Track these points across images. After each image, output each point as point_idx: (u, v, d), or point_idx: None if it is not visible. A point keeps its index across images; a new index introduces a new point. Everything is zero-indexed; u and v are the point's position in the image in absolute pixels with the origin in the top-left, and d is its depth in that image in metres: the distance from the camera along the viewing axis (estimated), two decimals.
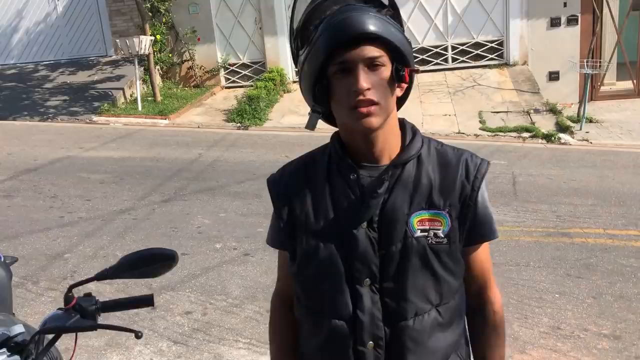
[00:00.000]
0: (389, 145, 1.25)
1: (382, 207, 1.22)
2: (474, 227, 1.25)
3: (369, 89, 1.15)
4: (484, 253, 1.30)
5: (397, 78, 1.21)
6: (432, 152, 1.28)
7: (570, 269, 4.27)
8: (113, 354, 3.38)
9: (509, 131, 8.86)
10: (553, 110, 9.61)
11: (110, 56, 12.42)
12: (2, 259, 2.49)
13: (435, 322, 1.25)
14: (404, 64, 1.22)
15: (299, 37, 1.26)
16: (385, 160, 1.25)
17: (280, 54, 11.79)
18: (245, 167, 7.13)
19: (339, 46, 1.15)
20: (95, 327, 1.58)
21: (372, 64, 1.17)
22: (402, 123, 1.31)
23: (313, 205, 1.26)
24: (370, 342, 1.23)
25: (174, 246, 4.79)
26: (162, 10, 11.52)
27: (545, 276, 4.17)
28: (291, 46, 1.30)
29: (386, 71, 1.19)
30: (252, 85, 11.07)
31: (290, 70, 11.85)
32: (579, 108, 9.63)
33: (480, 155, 1.31)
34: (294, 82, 11.84)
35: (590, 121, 9.54)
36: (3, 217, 5.51)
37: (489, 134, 8.83)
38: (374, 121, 1.18)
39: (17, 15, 12.89)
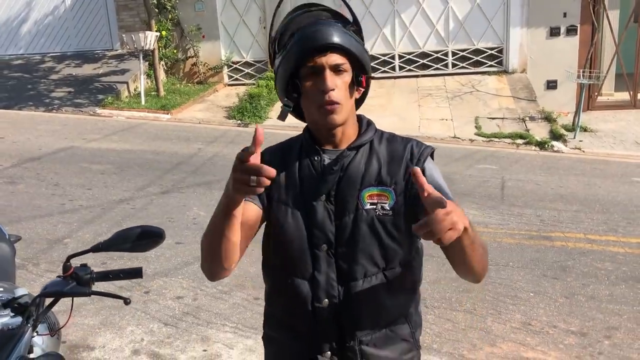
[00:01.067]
0: (347, 135, 1.48)
1: (337, 183, 1.44)
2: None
3: (333, 90, 1.38)
4: None
5: (356, 83, 1.45)
6: (383, 140, 1.50)
7: (547, 270, 4.46)
8: (107, 333, 3.57)
9: (503, 137, 9.05)
10: (548, 118, 9.79)
11: (116, 50, 12.63)
12: (7, 237, 2.69)
13: (381, 284, 1.44)
14: (362, 72, 1.46)
15: (277, 43, 1.47)
16: (344, 146, 1.47)
17: None
18: None
19: (310, 53, 1.38)
20: (89, 293, 1.77)
21: (336, 69, 1.40)
22: (360, 118, 1.54)
23: (286, 180, 1.47)
24: (325, 299, 1.43)
25: (169, 235, 4.96)
26: (168, 7, 11.73)
27: (523, 276, 4.36)
28: (269, 49, 1.52)
29: (348, 76, 1.42)
30: (254, 84, 11.26)
31: None
32: (574, 117, 9.81)
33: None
34: None
35: (585, 130, 9.71)
36: (7, 202, 5.71)
37: (484, 139, 9.01)
38: (337, 118, 1.41)
39: (26, 7, 13.11)
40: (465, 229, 1.19)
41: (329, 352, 1.46)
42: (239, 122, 9.81)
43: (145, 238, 1.78)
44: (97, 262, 4.28)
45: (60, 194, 5.99)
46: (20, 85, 11.25)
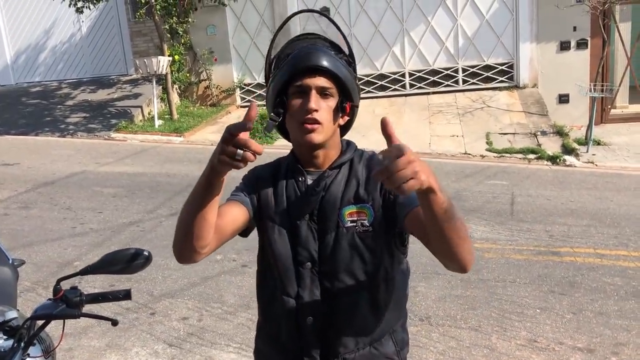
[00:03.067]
0: (329, 157, 1.52)
1: (320, 203, 1.48)
2: (403, 202, 1.41)
3: (316, 110, 1.43)
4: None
5: (340, 109, 1.49)
6: (362, 159, 1.54)
7: (555, 286, 4.40)
8: (112, 355, 3.61)
9: (515, 152, 9.00)
10: (560, 132, 9.72)
11: (131, 75, 12.90)
12: (11, 261, 2.75)
13: (365, 300, 1.48)
14: (348, 99, 1.50)
15: (274, 63, 1.55)
16: (326, 166, 1.52)
17: None
18: None
19: (298, 72, 1.44)
20: (78, 315, 1.81)
21: (323, 93, 1.45)
22: (342, 141, 1.59)
23: (274, 197, 1.52)
24: (310, 317, 1.48)
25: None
26: (180, 32, 11.97)
27: (530, 292, 4.31)
28: (265, 69, 1.58)
29: (333, 101, 1.47)
30: (265, 105, 11.37)
31: None
32: (587, 130, 9.73)
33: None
34: None
35: (598, 144, 9.62)
36: (19, 226, 5.83)
37: (495, 155, 8.97)
38: (315, 137, 1.45)
39: (45, 35, 13.49)
40: (434, 191, 1.13)
41: None
42: None
43: (132, 260, 1.81)
44: (105, 285, 4.34)
45: (72, 217, 6.10)
46: (38, 112, 11.53)
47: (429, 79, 11.81)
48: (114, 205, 6.49)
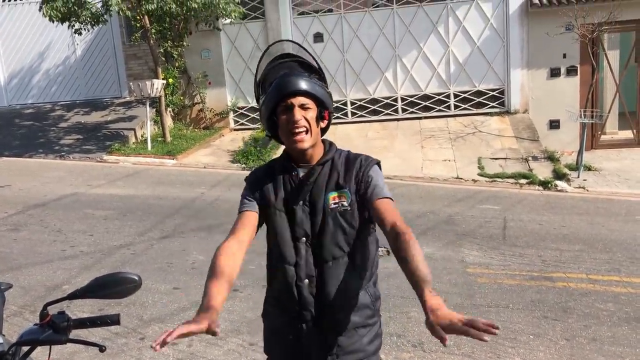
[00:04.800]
0: (315, 155, 1.94)
1: (310, 191, 1.90)
2: (371, 192, 1.86)
3: (300, 120, 1.85)
4: (386, 205, 1.84)
5: (319, 117, 1.92)
6: (341, 157, 1.97)
7: (548, 312, 4.39)
8: None
9: (506, 177, 9.05)
10: (551, 157, 9.80)
11: (125, 98, 12.94)
12: None
13: (346, 264, 1.89)
14: (324, 109, 1.93)
15: (260, 87, 1.97)
16: (313, 163, 1.93)
17: None
18: None
19: (283, 96, 1.86)
20: (65, 341, 1.78)
21: (303, 107, 1.86)
22: (324, 141, 2.00)
23: (273, 190, 1.93)
24: (306, 280, 1.88)
25: (167, 281, 5.00)
26: (175, 55, 12.06)
27: (523, 318, 4.29)
28: (255, 92, 2.00)
29: (312, 112, 1.89)
30: (259, 128, 11.42)
31: None
32: (577, 156, 9.81)
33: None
34: None
35: (589, 169, 9.70)
36: (8, 249, 5.76)
37: (487, 179, 9.01)
38: (304, 144, 1.88)
39: (39, 58, 13.55)
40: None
41: (310, 322, 1.88)
42: (243, 165, 9.92)
43: (122, 284, 1.79)
44: (94, 309, 4.28)
45: (62, 240, 6.04)
46: (31, 134, 11.50)
47: (421, 104, 11.93)
48: (105, 228, 6.44)
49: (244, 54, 12.32)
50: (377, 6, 11.89)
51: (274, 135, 1.94)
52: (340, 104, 11.97)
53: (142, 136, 11.29)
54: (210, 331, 1.50)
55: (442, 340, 1.34)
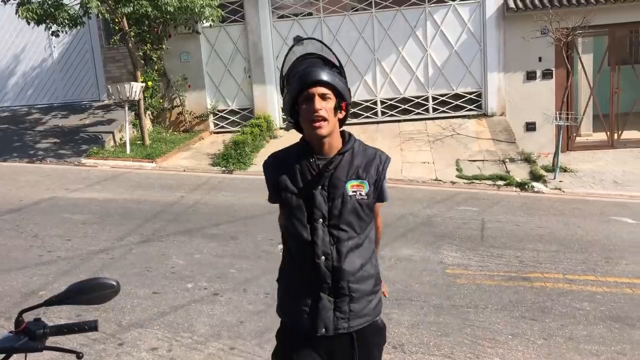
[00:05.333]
0: (333, 145, 2.09)
1: (330, 178, 2.07)
2: (378, 194, 2.12)
3: (320, 109, 2.00)
4: (379, 207, 2.22)
5: (338, 107, 2.06)
6: (360, 148, 2.15)
7: (526, 312, 4.45)
8: None
9: (484, 179, 9.15)
10: (528, 159, 9.94)
11: (103, 101, 12.80)
12: None
13: (356, 243, 2.10)
14: (342, 100, 2.07)
15: (286, 79, 2.14)
16: (332, 153, 2.09)
17: (268, 101, 12.20)
18: (224, 210, 7.35)
19: (305, 86, 2.01)
20: (41, 348, 1.75)
21: (323, 97, 2.02)
22: (343, 132, 2.15)
23: (289, 176, 2.09)
24: (323, 257, 2.06)
25: (146, 285, 4.95)
26: (154, 58, 11.97)
27: (501, 318, 4.34)
28: (280, 83, 2.17)
29: (331, 103, 2.03)
30: (239, 131, 11.39)
31: (277, 117, 12.24)
32: (553, 158, 9.97)
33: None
34: (281, 128, 12.21)
35: (565, 170, 9.87)
36: None
37: (465, 181, 9.11)
38: (323, 131, 2.03)
39: (14, 60, 13.33)
40: None
41: (327, 292, 2.08)
42: (223, 168, 9.87)
43: (99, 290, 1.77)
44: (72, 314, 4.23)
45: (39, 245, 5.95)
46: (6, 137, 11.30)
47: (400, 107, 12.02)
48: (83, 233, 6.36)
49: (224, 57, 12.28)
50: (356, 10, 11.95)
51: (296, 123, 2.11)
52: None
53: (120, 139, 11.18)
54: None
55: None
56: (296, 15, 12.07)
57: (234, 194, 8.31)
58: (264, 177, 2.17)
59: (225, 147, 10.49)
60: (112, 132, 11.21)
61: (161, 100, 12.33)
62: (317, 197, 2.05)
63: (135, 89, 10.40)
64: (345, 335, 2.11)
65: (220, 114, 12.50)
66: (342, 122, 2.12)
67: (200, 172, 9.80)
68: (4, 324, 4.19)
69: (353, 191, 2.05)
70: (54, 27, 10.05)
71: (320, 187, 2.05)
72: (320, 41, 2.18)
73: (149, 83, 11.79)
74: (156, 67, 12.10)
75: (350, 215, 2.05)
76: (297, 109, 2.05)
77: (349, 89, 2.09)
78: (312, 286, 2.09)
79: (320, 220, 2.05)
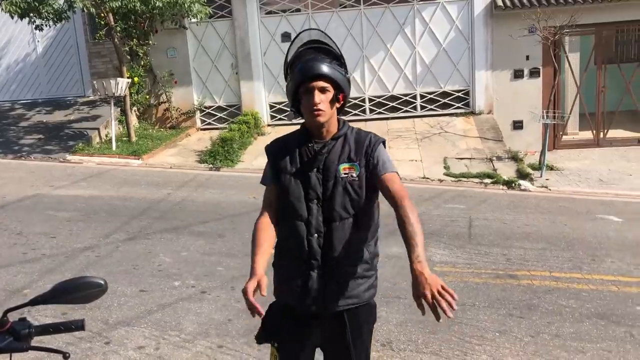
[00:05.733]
0: (330, 131, 2.25)
1: (324, 161, 2.21)
2: (377, 168, 2.20)
3: (319, 103, 2.15)
4: (392, 180, 2.19)
5: (335, 99, 2.21)
6: (353, 133, 2.28)
7: (513, 309, 4.47)
8: None
9: (471, 177, 9.19)
10: (515, 157, 10.00)
11: (88, 97, 12.64)
12: None
13: (350, 224, 2.19)
14: (340, 92, 2.20)
15: (289, 68, 2.26)
16: (328, 138, 2.25)
17: (256, 98, 12.14)
18: (211, 208, 7.30)
19: (306, 79, 2.15)
20: (26, 348, 1.71)
21: (322, 90, 2.16)
22: (338, 119, 2.30)
23: (289, 159, 2.25)
24: (315, 234, 2.19)
25: (132, 283, 4.90)
26: (140, 54, 11.85)
27: (489, 316, 4.36)
28: (284, 71, 2.30)
29: (330, 94, 2.18)
30: (226, 128, 11.32)
31: (265, 114, 12.19)
32: (540, 156, 10.04)
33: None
34: (269, 125, 12.16)
35: (551, 169, 9.93)
36: None
37: (453, 179, 9.14)
38: (321, 119, 2.18)
39: None
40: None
41: (316, 270, 2.18)
42: (210, 165, 9.81)
43: (86, 289, 1.73)
44: (57, 313, 4.17)
45: (23, 242, 5.87)
46: None
47: (388, 104, 12.03)
48: (69, 230, 6.28)
49: (211, 52, 12.20)
50: (345, 7, 11.93)
51: (297, 109, 2.25)
52: None
53: (106, 136, 11.06)
54: (260, 286, 1.99)
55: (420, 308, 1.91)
56: (284, 11, 12.01)
57: (221, 191, 8.26)
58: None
59: (212, 144, 10.42)
60: (98, 129, 11.08)
61: (147, 97, 12.22)
62: (312, 178, 2.20)
63: (121, 85, 10.29)
64: (336, 314, 2.22)
65: (207, 110, 12.42)
66: (339, 110, 2.27)
67: (187, 169, 9.73)
68: None
69: (345, 173, 2.18)
70: (38, 21, 9.91)
71: (315, 169, 2.20)
72: (323, 32, 2.32)
73: (135, 79, 11.68)
74: (142, 63, 11.98)
75: (341, 196, 2.17)
76: (299, 97, 2.20)
77: (348, 79, 2.22)
78: (303, 265, 2.20)
79: (315, 200, 2.19)
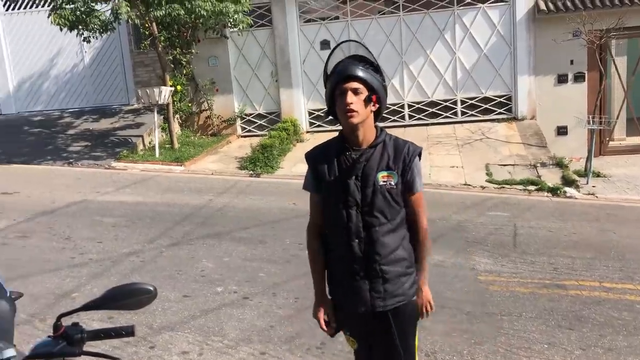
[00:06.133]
0: (367, 137, 2.33)
1: (362, 169, 2.30)
2: (409, 184, 2.33)
3: (352, 103, 2.24)
4: (418, 202, 2.38)
5: (368, 100, 2.27)
6: (391, 141, 2.36)
7: (562, 320, 4.33)
8: None
9: (515, 184, 8.97)
10: (560, 164, 9.73)
11: (132, 105, 12.97)
12: (8, 294, 2.68)
13: (388, 229, 2.32)
14: (373, 93, 2.27)
15: (329, 76, 2.36)
16: (365, 145, 2.32)
17: (295, 105, 12.21)
18: (252, 214, 7.35)
19: (340, 81, 2.27)
20: (79, 353, 1.75)
21: (355, 92, 2.25)
22: (376, 127, 2.37)
23: (328, 167, 2.34)
24: (356, 240, 2.31)
25: (176, 289, 4.97)
26: (183, 62, 12.09)
27: (536, 327, 4.23)
28: (324, 80, 2.38)
29: (363, 96, 2.26)
30: (266, 135, 11.42)
31: (304, 121, 12.24)
32: (586, 162, 9.74)
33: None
34: (307, 132, 12.20)
35: (598, 175, 9.62)
36: (17, 257, 5.75)
37: (495, 186, 8.95)
38: (354, 120, 2.26)
39: (48, 64, 13.60)
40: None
41: (361, 273, 2.32)
42: (251, 172, 9.90)
43: (136, 295, 1.76)
44: (104, 316, 4.26)
45: (71, 247, 6.03)
46: (39, 141, 11.54)
47: (428, 110, 11.91)
48: (114, 235, 6.43)
49: (251, 61, 12.35)
50: (384, 13, 11.89)
51: (334, 114, 2.35)
52: None
53: (150, 143, 11.31)
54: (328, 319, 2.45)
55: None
56: (323, 19, 12.06)
57: (261, 197, 8.32)
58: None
59: (252, 151, 10.52)
60: (142, 136, 11.34)
61: (189, 104, 12.44)
62: (351, 186, 2.29)
63: (164, 93, 10.51)
64: (382, 313, 2.35)
65: (247, 117, 12.56)
66: (377, 115, 2.34)
67: (228, 175, 9.84)
68: (39, 325, 4.25)
69: (383, 181, 2.27)
70: (86, 33, 10.23)
71: (354, 177, 2.29)
72: (361, 42, 2.45)
73: (178, 87, 11.91)
74: (185, 72, 12.21)
75: (380, 203, 2.28)
76: (335, 101, 2.30)
77: (384, 86, 2.31)
78: (348, 270, 2.34)
79: (354, 207, 2.29)
